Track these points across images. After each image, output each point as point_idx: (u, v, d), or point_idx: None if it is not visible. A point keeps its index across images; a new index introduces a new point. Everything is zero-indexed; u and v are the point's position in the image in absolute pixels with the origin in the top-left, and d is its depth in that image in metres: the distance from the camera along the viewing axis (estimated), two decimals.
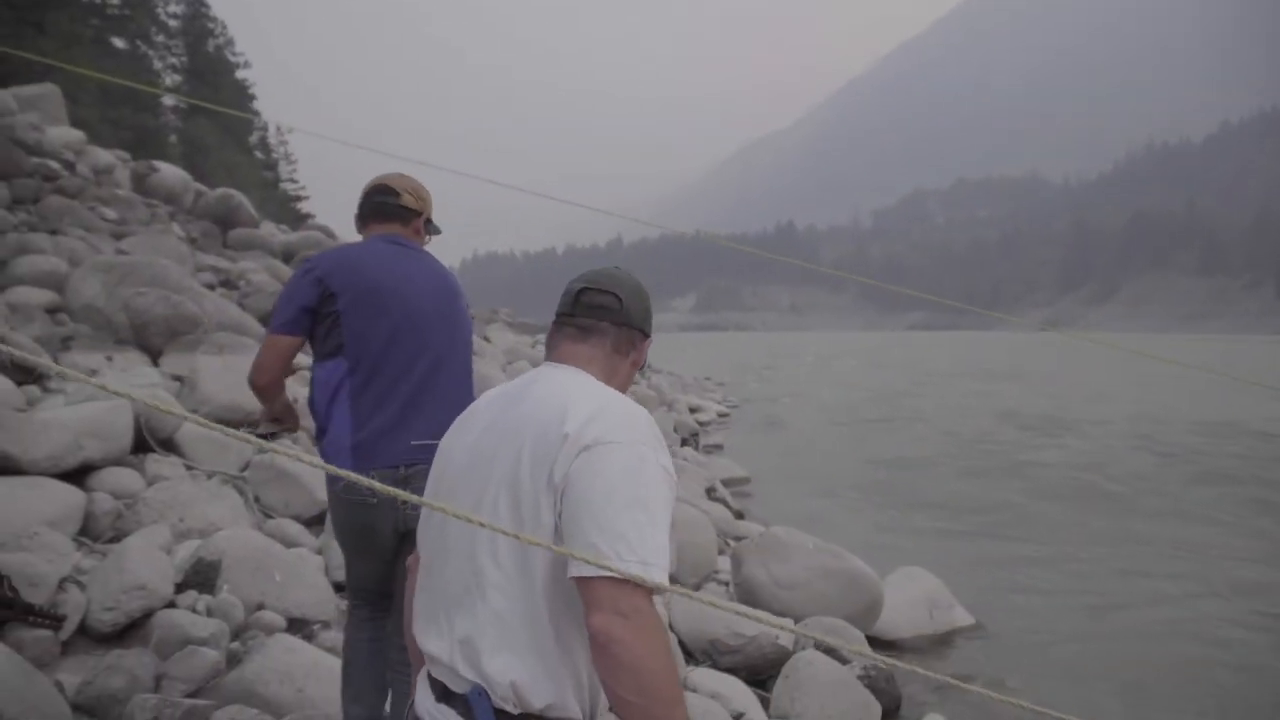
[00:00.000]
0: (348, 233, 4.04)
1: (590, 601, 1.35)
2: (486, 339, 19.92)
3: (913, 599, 6.27)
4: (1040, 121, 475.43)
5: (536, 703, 1.42)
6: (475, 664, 1.45)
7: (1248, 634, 6.39)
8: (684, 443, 15.46)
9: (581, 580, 1.36)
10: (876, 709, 4.67)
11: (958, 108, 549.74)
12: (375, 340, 2.63)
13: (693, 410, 19.61)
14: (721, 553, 7.20)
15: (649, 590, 1.36)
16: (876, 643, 5.86)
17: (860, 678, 4.91)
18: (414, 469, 2.58)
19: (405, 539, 2.59)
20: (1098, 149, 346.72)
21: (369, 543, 2.68)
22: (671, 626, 5.23)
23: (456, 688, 1.48)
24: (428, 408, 2.63)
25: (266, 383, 2.75)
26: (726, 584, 6.57)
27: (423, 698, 1.57)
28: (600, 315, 1.67)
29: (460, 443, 1.64)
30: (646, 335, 1.76)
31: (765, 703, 4.72)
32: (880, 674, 5.02)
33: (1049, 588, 7.65)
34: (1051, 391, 29.05)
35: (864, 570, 5.89)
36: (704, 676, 4.60)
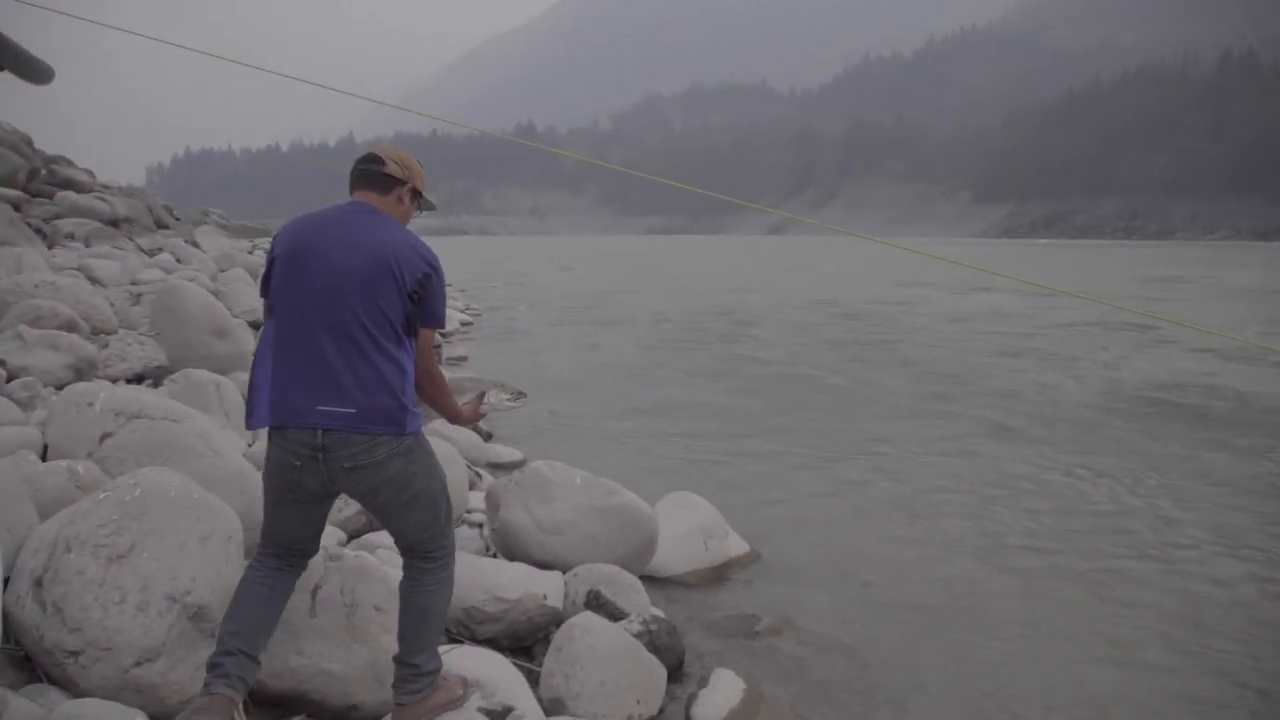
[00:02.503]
0: None
1: None
2: (195, 244, 17.56)
3: (687, 530, 5.71)
4: (770, 34, 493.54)
5: None
6: None
7: (1018, 541, 6.38)
8: None
9: None
10: (661, 673, 4.05)
11: (693, 16, 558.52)
12: (295, 302, 2.64)
13: None
14: (474, 488, 6.36)
15: None
16: (651, 582, 5.26)
17: (640, 634, 4.27)
18: (331, 436, 2.59)
19: (324, 497, 2.78)
20: (822, 61, 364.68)
21: (294, 496, 2.75)
22: None
23: None
24: (337, 377, 2.60)
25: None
26: (480, 527, 5.73)
27: None
28: None
29: None
30: None
31: (534, 677, 3.98)
32: (661, 626, 4.41)
33: (810, 497, 7.43)
34: (776, 288, 30.22)
35: (638, 506, 5.22)
36: (460, 658, 3.74)
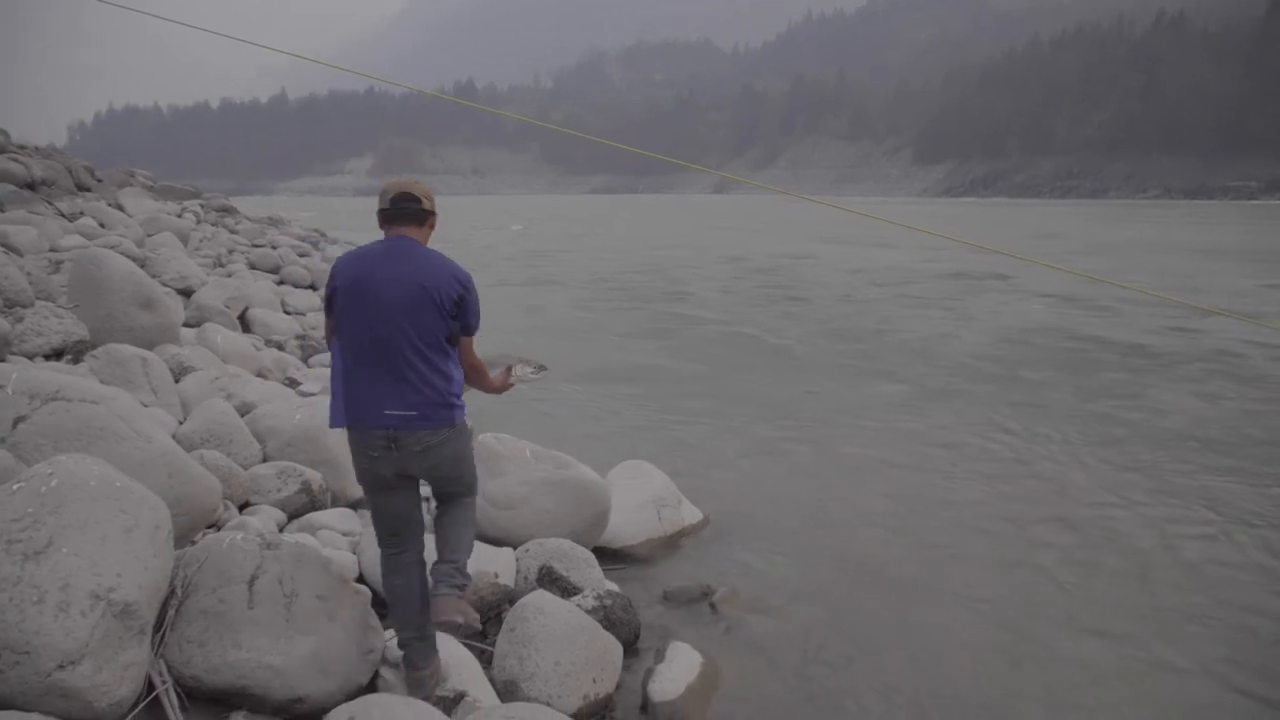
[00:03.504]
0: None
1: None
2: (119, 207, 16.86)
3: (639, 500, 5.61)
4: None
5: None
6: None
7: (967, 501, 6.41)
8: None
9: None
10: (617, 650, 3.95)
11: None
12: (356, 326, 3.23)
13: None
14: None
15: None
16: (604, 554, 5.16)
17: (594, 610, 4.17)
18: (400, 433, 3.23)
19: (404, 479, 3.35)
20: (765, 19, 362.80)
21: (379, 483, 3.34)
22: (363, 578, 4.17)
23: None
24: (399, 387, 3.22)
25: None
26: (428, 500, 5.56)
27: None
28: None
29: None
30: None
31: (486, 656, 3.86)
32: (616, 601, 4.31)
33: (757, 459, 7.41)
34: (713, 247, 30.16)
35: (590, 478, 5.09)
36: None
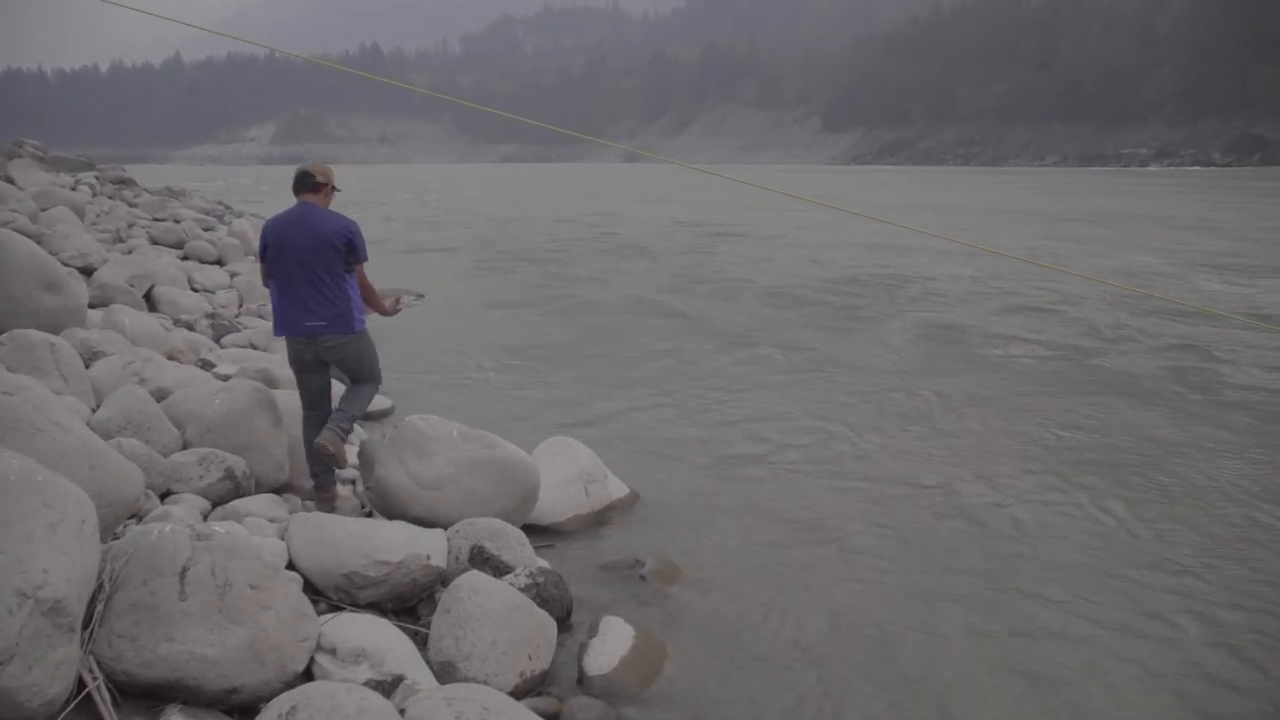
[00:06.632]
0: None
1: None
2: (10, 180, 16.04)
3: (567, 477, 5.66)
4: None
5: None
6: None
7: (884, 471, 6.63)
8: None
9: None
10: (552, 626, 4.03)
11: None
12: (282, 268, 4.76)
13: None
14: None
15: None
16: (533, 531, 5.22)
17: (527, 588, 4.23)
18: (315, 338, 4.79)
19: (322, 365, 4.94)
20: None
21: (302, 366, 4.94)
22: (293, 564, 4.14)
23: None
24: (311, 306, 4.74)
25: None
26: (353, 483, 5.53)
27: None
28: None
29: None
30: None
31: (421, 638, 3.89)
32: (548, 578, 4.38)
33: (677, 430, 7.55)
34: (618, 214, 30.24)
35: (519, 457, 5.13)
36: (343, 627, 3.61)
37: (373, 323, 5.19)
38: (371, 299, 5.06)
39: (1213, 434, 7.23)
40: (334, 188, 5.01)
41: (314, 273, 4.68)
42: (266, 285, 4.95)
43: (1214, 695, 3.82)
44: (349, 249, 4.76)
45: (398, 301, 5.53)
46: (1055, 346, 10.71)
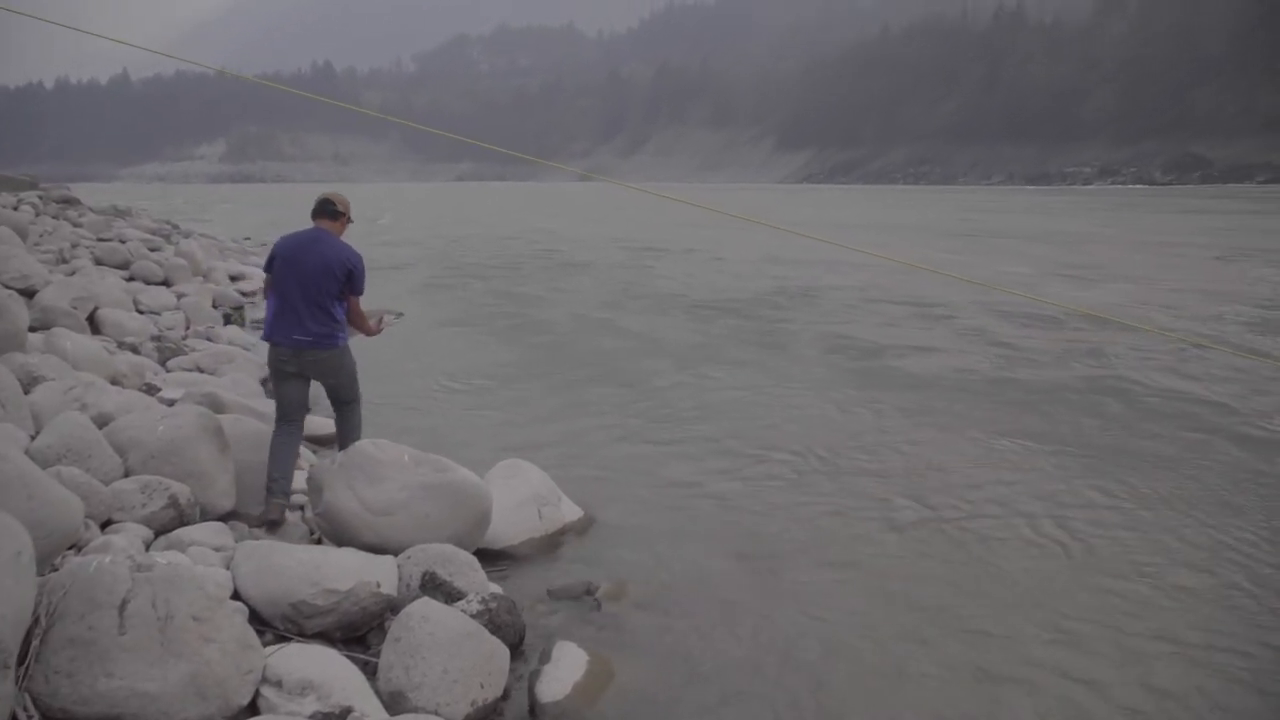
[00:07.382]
0: None
1: None
2: None
3: (520, 499, 5.63)
4: None
5: None
6: None
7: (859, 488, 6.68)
8: (227, 320, 13.44)
9: None
10: (504, 653, 3.98)
11: None
12: (283, 284, 5.13)
13: (234, 279, 17.19)
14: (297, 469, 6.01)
15: None
16: (485, 555, 5.17)
17: (479, 614, 4.18)
18: (300, 350, 5.14)
19: (302, 379, 5.27)
20: (629, 4, 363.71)
21: (282, 375, 5.22)
22: (238, 594, 4.06)
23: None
24: (304, 322, 5.09)
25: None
26: (302, 509, 5.45)
27: None
28: None
29: None
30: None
31: (370, 668, 3.83)
32: (501, 604, 4.33)
33: (629, 450, 7.55)
34: (567, 234, 30.30)
35: (471, 481, 5.08)
36: (290, 659, 3.54)
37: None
38: (358, 323, 5.43)
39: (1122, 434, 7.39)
40: (349, 219, 5.41)
41: (311, 294, 5.04)
42: (267, 297, 5.28)
43: (1168, 707, 3.88)
44: (348, 279, 5.15)
45: (380, 321, 5.78)
46: (946, 352, 11.64)
